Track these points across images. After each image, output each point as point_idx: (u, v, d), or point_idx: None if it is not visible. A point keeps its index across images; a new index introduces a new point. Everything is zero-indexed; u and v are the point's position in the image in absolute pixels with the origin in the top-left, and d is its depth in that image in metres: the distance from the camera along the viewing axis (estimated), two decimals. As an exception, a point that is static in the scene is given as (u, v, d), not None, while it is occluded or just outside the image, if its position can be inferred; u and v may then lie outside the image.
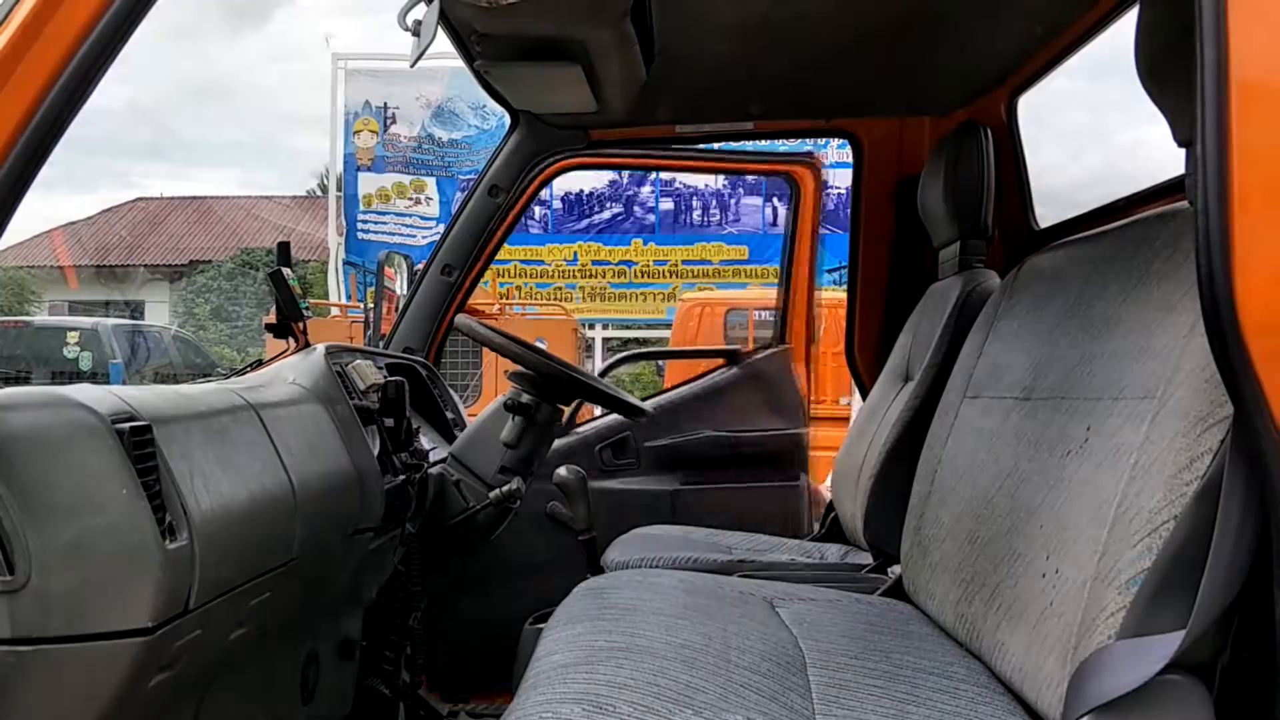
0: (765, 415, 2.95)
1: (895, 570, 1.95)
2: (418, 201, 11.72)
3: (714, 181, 11.42)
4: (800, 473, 2.96)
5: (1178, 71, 1.14)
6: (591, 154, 2.70)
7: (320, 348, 1.80)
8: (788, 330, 3.09)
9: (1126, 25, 1.74)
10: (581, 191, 11.67)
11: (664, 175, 11.27)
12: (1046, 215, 2.28)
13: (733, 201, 11.55)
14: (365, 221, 11.69)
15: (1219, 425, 1.00)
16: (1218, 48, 0.91)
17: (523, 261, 11.72)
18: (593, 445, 2.87)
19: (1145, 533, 1.02)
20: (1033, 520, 1.30)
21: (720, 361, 3.06)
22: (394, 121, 11.67)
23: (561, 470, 2.13)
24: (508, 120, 2.63)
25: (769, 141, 3.48)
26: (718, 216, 11.61)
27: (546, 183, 2.75)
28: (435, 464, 2.12)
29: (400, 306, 2.82)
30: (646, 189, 11.69)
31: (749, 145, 3.05)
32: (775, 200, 11.49)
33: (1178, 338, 1.11)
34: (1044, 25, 2.01)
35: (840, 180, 11.18)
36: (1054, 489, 1.27)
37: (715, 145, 2.89)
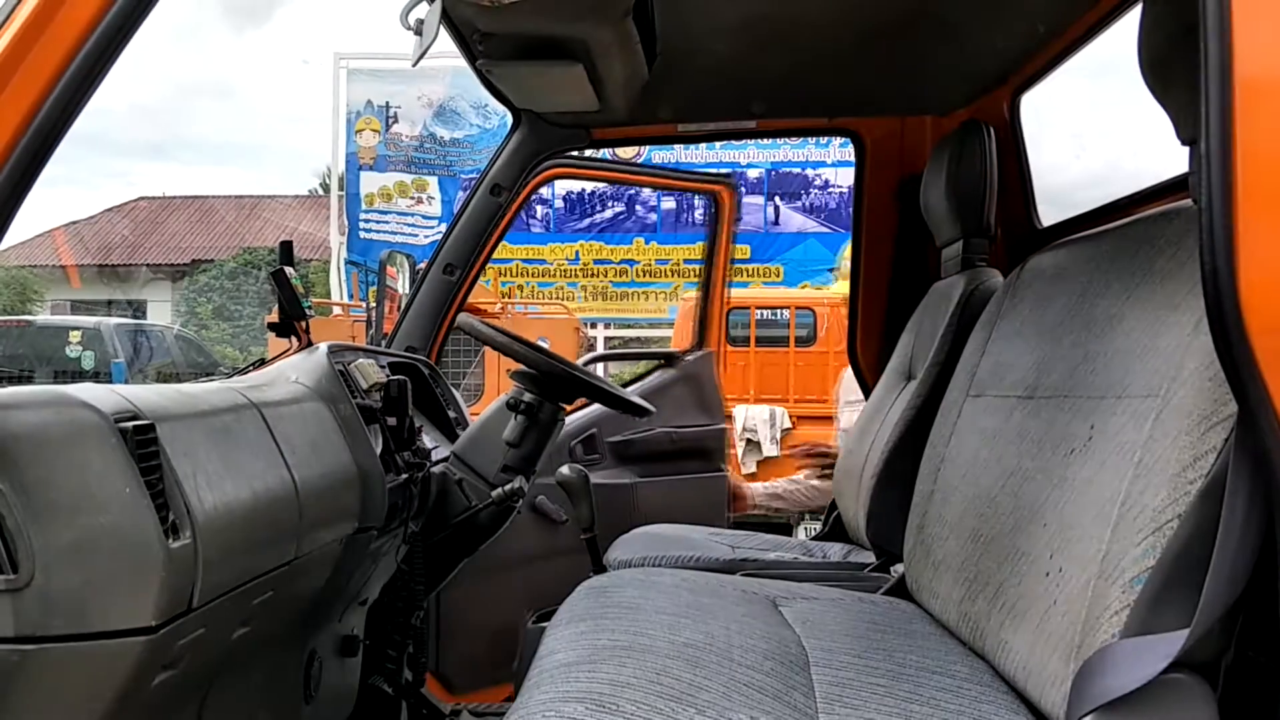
0: (695, 412, 3.17)
1: (898, 569, 1.95)
2: (420, 200, 11.72)
3: (716, 180, 11.40)
4: (722, 464, 3.19)
5: (1181, 70, 1.14)
6: (558, 165, 2.76)
7: (323, 346, 1.80)
8: (706, 334, 3.34)
9: (1129, 24, 1.74)
10: (584, 190, 11.67)
11: (666, 174, 11.28)
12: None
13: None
14: (367, 220, 11.69)
15: (1223, 424, 1.00)
16: (1221, 45, 0.91)
17: (525, 260, 11.72)
18: (567, 441, 2.92)
19: (1149, 531, 1.02)
20: (1036, 519, 1.29)
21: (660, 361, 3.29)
22: (396, 120, 11.66)
23: (564, 469, 2.13)
24: (509, 119, 2.63)
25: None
26: (720, 215, 11.59)
27: (537, 188, 2.79)
28: (438, 463, 2.12)
29: (402, 305, 2.84)
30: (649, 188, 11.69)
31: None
32: (777, 199, 11.49)
33: (1181, 336, 1.11)
34: (1046, 24, 2.00)
35: (843, 179, 11.21)
36: (1057, 488, 1.27)
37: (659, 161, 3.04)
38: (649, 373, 3.26)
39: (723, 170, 11.09)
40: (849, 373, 3.33)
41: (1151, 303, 1.21)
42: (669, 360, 3.22)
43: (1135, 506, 1.06)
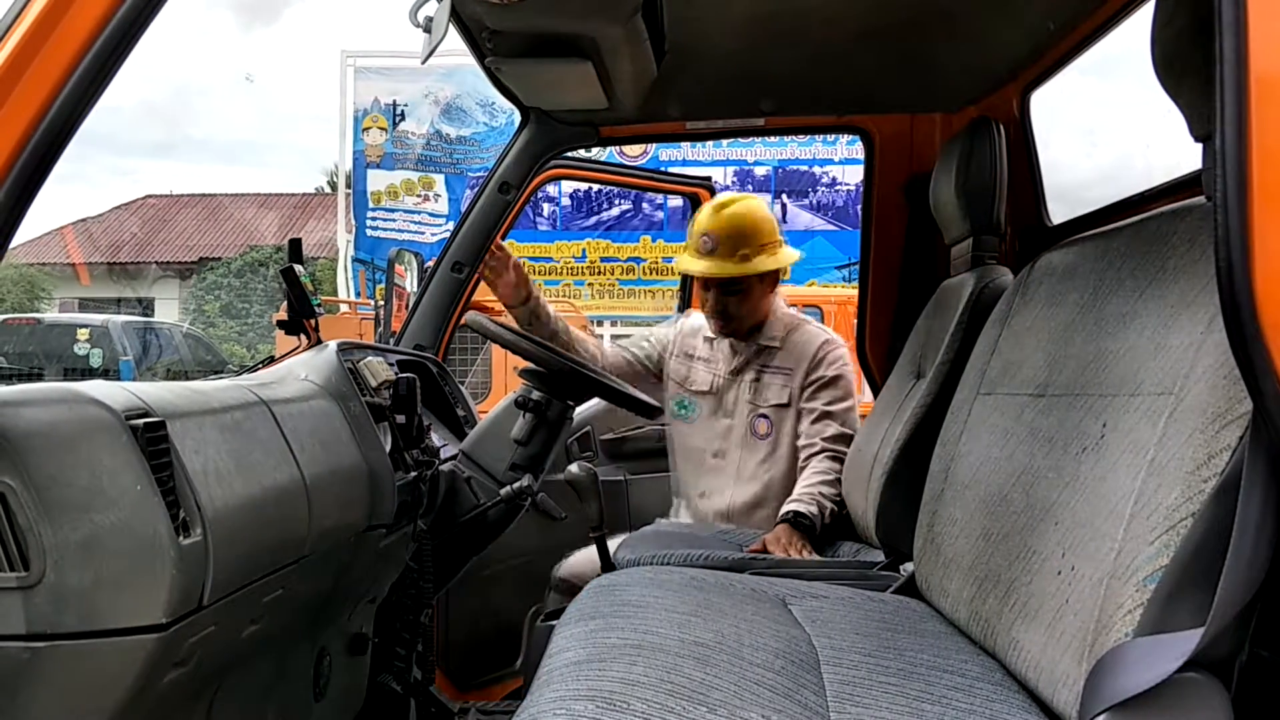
0: None
1: (908, 568, 1.94)
2: (427, 198, 11.73)
3: (723, 178, 11.41)
4: None
5: (1194, 66, 1.14)
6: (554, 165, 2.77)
7: (332, 344, 1.80)
8: None
9: (1141, 20, 1.73)
10: (590, 189, 11.66)
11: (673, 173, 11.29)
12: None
13: (741, 198, 11.53)
14: (374, 219, 11.70)
15: (1237, 421, 0.99)
16: (1237, 41, 0.90)
17: (531, 259, 11.71)
18: (563, 439, 2.92)
19: (1163, 530, 1.01)
20: (1048, 517, 1.29)
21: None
22: (403, 119, 11.67)
23: (573, 467, 2.12)
24: (516, 117, 2.63)
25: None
26: (726, 213, 11.56)
27: (536, 189, 2.80)
28: (446, 461, 2.12)
29: (411, 303, 2.84)
30: (655, 185, 11.64)
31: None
32: (784, 197, 11.47)
33: (1195, 333, 1.10)
34: (1056, 21, 1.99)
35: (850, 177, 11.19)
36: (1069, 486, 1.26)
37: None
38: None
39: (698, 173, 11.07)
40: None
41: (1164, 300, 1.20)
42: None
43: (1148, 505, 1.05)
